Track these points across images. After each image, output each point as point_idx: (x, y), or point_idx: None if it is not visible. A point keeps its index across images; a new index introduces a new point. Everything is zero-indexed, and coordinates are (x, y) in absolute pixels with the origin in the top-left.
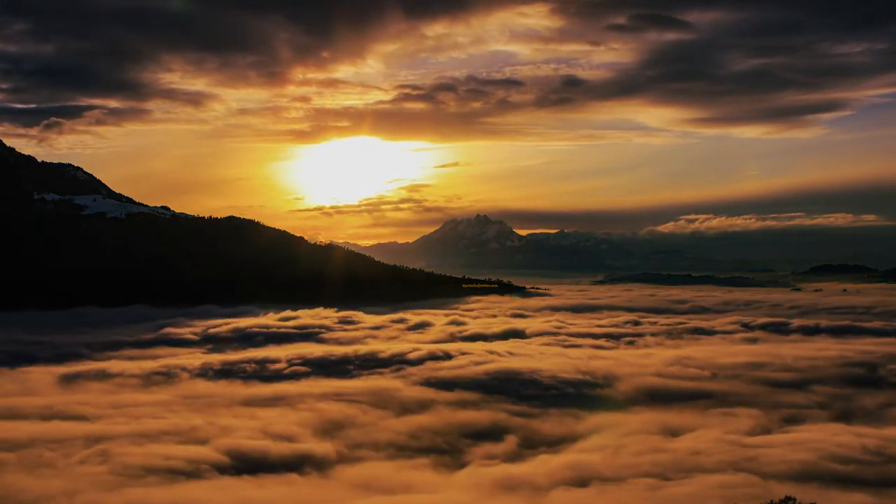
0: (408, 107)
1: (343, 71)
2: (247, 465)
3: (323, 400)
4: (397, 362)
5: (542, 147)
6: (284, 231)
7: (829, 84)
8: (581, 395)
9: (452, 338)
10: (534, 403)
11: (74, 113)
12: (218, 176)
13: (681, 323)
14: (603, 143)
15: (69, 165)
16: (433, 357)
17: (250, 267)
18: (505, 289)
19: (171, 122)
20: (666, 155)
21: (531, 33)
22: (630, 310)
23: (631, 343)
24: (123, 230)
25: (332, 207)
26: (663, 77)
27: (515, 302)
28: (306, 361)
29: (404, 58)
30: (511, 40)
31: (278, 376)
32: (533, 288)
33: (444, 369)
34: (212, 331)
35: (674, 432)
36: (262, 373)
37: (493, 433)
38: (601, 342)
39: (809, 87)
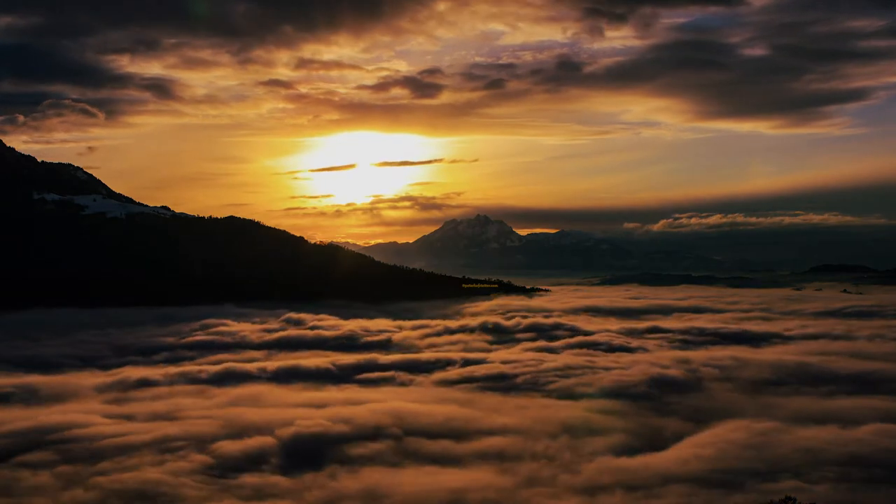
0: (396, 95)
1: (317, 52)
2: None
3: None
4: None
5: (542, 142)
6: (284, 231)
7: (850, 71)
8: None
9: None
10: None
11: (25, 102)
12: (204, 172)
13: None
14: (605, 138)
15: (69, 165)
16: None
17: (251, 267)
18: (506, 289)
19: (143, 113)
20: (670, 150)
21: (528, 11)
22: (641, 312)
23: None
24: (123, 230)
25: (328, 206)
26: (670, 64)
27: (532, 302)
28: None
29: (386, 37)
30: (508, 20)
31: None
32: (532, 288)
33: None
34: (228, 336)
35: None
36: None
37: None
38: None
39: (828, 76)
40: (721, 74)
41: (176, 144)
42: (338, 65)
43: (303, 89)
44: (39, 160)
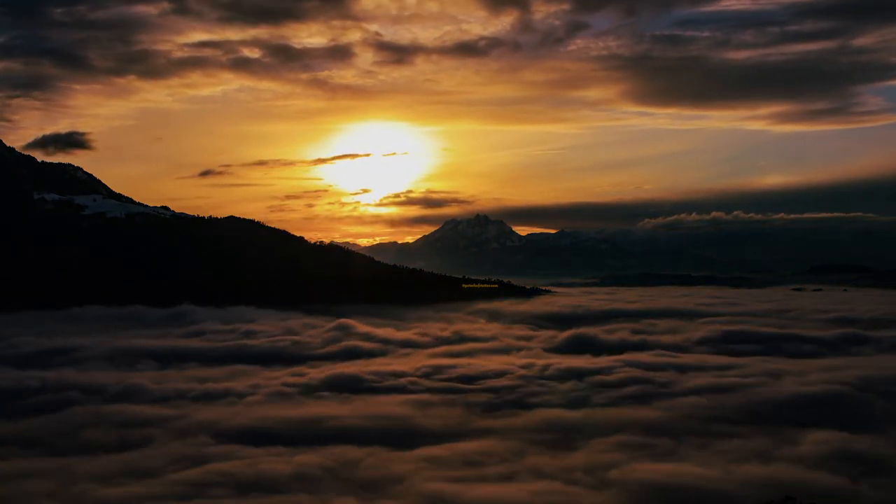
0: (363, 66)
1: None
2: None
3: None
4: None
5: (542, 133)
6: (285, 231)
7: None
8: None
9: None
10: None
11: None
12: (177, 165)
13: None
14: (604, 129)
15: (69, 165)
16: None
17: (251, 267)
18: (506, 289)
19: (84, 93)
20: (673, 145)
21: None
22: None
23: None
24: (123, 230)
25: (319, 202)
26: (674, 50)
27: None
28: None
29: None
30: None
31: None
32: (533, 288)
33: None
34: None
35: None
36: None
37: None
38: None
39: (842, 51)
40: (733, 53)
41: (126, 134)
42: (270, 14)
43: (247, 53)
44: (39, 160)
